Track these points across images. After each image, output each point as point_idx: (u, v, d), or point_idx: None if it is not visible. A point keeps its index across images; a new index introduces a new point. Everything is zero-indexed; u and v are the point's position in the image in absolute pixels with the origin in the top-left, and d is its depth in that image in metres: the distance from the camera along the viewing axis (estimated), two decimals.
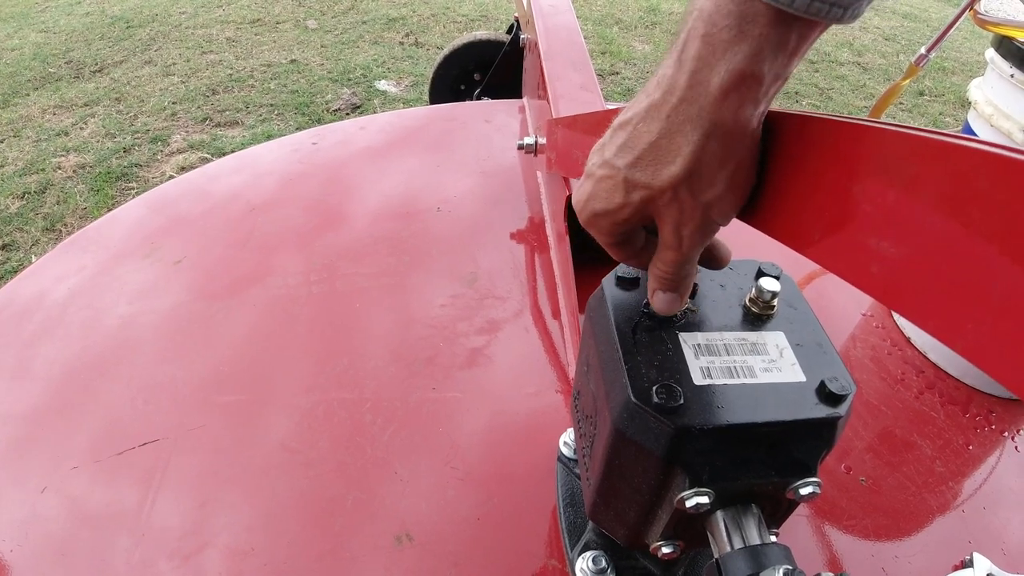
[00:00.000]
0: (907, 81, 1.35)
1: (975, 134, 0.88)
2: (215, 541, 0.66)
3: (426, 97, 2.39)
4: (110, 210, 2.12)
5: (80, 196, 2.52)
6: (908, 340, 0.95)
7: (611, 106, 1.12)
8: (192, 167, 2.66)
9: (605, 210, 0.42)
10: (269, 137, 2.88)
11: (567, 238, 0.92)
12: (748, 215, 0.41)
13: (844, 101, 3.64)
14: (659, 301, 0.44)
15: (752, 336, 0.44)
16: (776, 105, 0.38)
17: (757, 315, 0.46)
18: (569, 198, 0.92)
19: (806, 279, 1.00)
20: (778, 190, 0.38)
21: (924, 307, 0.26)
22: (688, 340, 0.44)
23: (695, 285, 0.45)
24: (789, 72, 0.36)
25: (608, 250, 0.45)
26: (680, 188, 0.38)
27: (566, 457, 0.68)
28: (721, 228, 0.41)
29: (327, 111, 3.15)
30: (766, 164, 0.39)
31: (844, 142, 0.32)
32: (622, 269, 0.48)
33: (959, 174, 0.24)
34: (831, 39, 4.38)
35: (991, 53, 0.84)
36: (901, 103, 3.68)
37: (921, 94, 3.81)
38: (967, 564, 0.69)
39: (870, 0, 0.34)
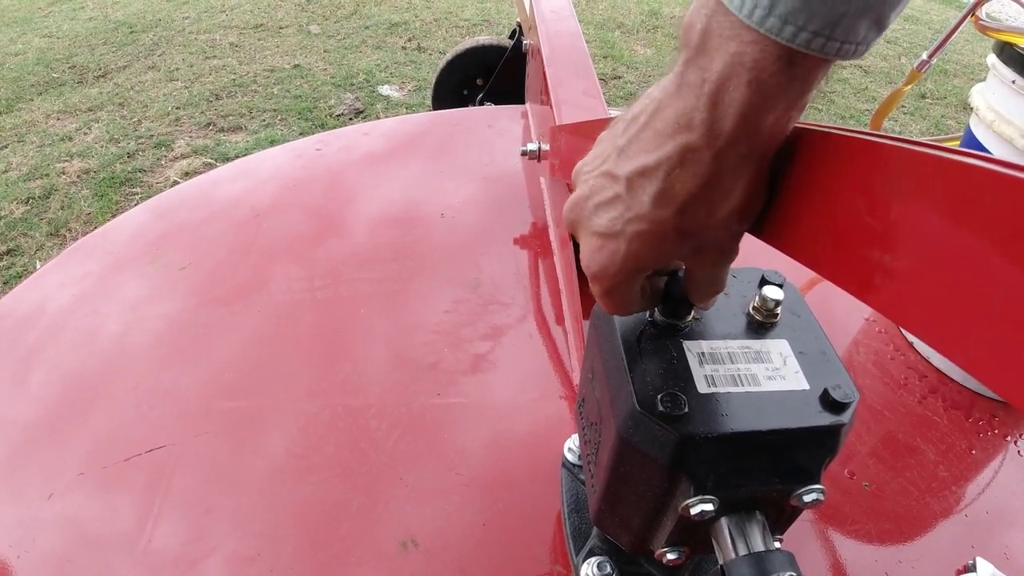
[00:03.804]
0: (909, 87, 1.35)
1: (977, 139, 0.88)
2: (221, 547, 0.66)
3: (429, 102, 2.39)
4: (114, 215, 2.13)
5: (84, 201, 2.52)
6: (911, 345, 0.96)
7: (614, 111, 1.13)
8: (196, 172, 2.67)
9: (655, 263, 0.40)
10: (273, 142, 2.88)
11: (571, 244, 0.92)
12: (756, 228, 0.41)
13: (846, 104, 3.65)
14: (708, 301, 0.44)
15: (756, 344, 0.45)
16: None
17: (761, 323, 0.46)
18: None
19: (809, 284, 1.00)
20: (782, 203, 0.38)
21: (927, 321, 0.26)
22: (692, 348, 0.44)
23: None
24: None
25: (622, 307, 0.43)
26: (733, 219, 0.38)
27: (570, 463, 0.68)
28: None
29: (330, 116, 3.16)
30: (773, 178, 0.39)
31: (847, 155, 0.32)
32: None
33: (961, 190, 0.24)
34: None
35: (992, 59, 0.84)
36: (903, 106, 3.68)
37: (923, 97, 3.81)
38: (970, 569, 0.69)
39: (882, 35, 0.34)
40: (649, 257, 0.39)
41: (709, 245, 0.40)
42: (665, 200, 0.37)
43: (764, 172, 0.37)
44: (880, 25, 0.33)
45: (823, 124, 0.36)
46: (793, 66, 0.33)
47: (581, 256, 0.42)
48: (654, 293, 0.45)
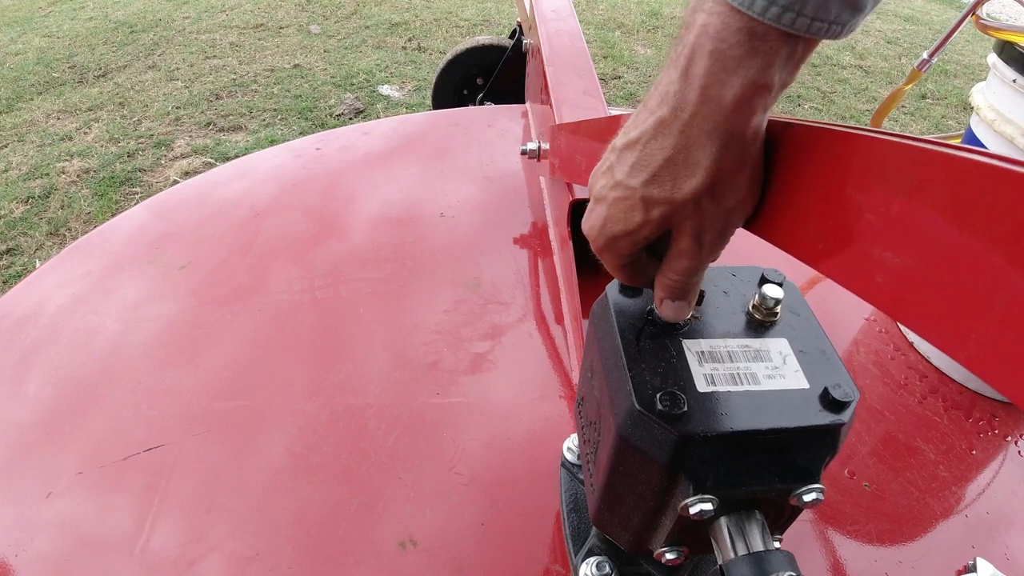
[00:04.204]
0: (909, 86, 1.35)
1: (978, 139, 0.88)
2: (220, 546, 0.66)
3: (429, 102, 2.39)
4: (114, 215, 2.12)
5: (84, 201, 2.52)
6: (911, 345, 0.96)
7: (614, 111, 1.13)
8: (196, 172, 2.67)
9: (624, 231, 0.41)
10: (273, 142, 2.88)
11: (570, 243, 0.92)
12: (751, 224, 0.41)
13: (847, 104, 3.64)
14: (668, 309, 0.44)
15: (755, 343, 0.45)
16: (779, 109, 0.38)
17: (760, 322, 0.46)
18: (572, 204, 0.92)
19: (809, 283, 1.00)
20: (781, 199, 0.38)
21: (927, 318, 0.26)
22: (692, 347, 0.44)
23: (701, 292, 0.46)
24: (793, 79, 0.37)
25: (618, 272, 0.45)
26: (703, 198, 0.38)
27: (570, 463, 0.68)
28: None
29: (330, 116, 3.16)
30: (770, 173, 0.39)
31: (846, 152, 0.32)
32: None
33: (961, 186, 0.24)
34: (833, 43, 4.38)
35: (993, 58, 0.84)
36: (903, 106, 3.67)
37: (923, 97, 3.81)
38: (970, 569, 0.69)
39: (863, 17, 0.34)
40: (619, 223, 0.41)
41: (681, 226, 0.40)
42: (637, 169, 0.39)
43: (736, 155, 0.37)
44: (855, 6, 0.33)
45: (820, 121, 0.36)
46: (754, 38, 0.33)
47: None
48: (651, 264, 0.45)
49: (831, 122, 0.34)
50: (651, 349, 0.44)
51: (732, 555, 0.41)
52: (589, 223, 0.44)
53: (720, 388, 0.41)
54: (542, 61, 1.22)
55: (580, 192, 0.93)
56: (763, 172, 0.39)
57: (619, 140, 0.41)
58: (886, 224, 0.28)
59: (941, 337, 0.25)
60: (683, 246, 0.41)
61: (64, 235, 2.37)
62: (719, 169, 0.37)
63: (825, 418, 0.40)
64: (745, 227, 0.41)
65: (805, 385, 0.42)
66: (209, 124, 3.06)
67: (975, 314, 0.23)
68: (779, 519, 0.44)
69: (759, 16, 0.32)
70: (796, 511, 0.43)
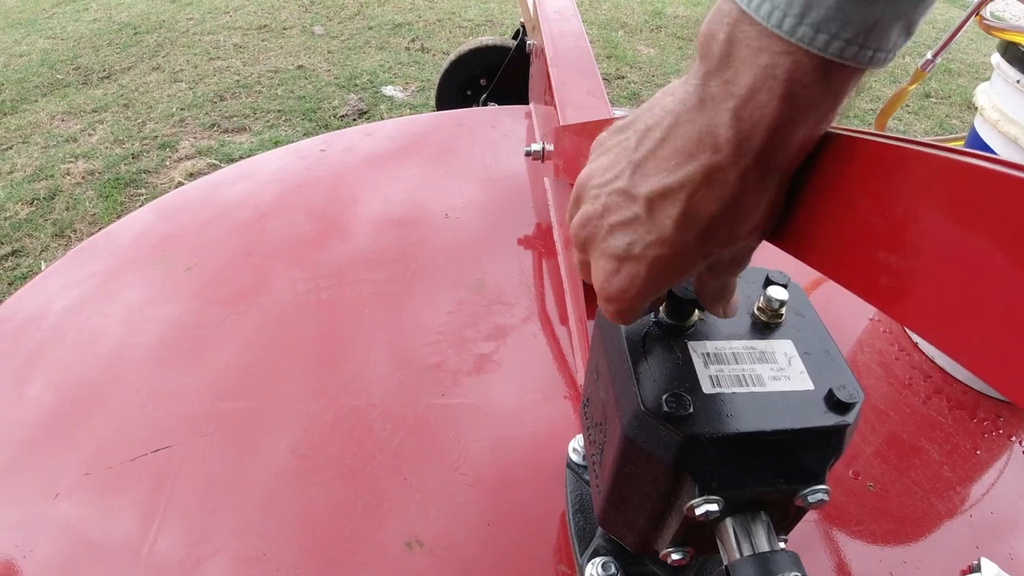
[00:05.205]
0: (913, 86, 1.35)
1: (981, 139, 0.88)
2: (226, 547, 0.66)
3: (432, 102, 2.39)
4: (119, 216, 2.13)
5: (89, 202, 2.53)
6: (915, 345, 0.96)
7: (618, 112, 1.13)
8: (200, 173, 2.68)
9: (677, 279, 0.38)
10: (277, 143, 2.89)
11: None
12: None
13: (850, 102, 3.63)
14: (725, 310, 0.44)
15: (760, 344, 0.45)
16: None
17: (765, 323, 0.46)
18: None
19: (813, 284, 1.00)
20: (792, 206, 0.38)
21: (932, 321, 0.26)
22: (697, 349, 0.44)
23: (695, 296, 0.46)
24: None
25: (632, 320, 0.42)
26: (754, 236, 0.37)
27: (575, 463, 0.68)
28: None
29: (334, 117, 3.17)
30: None
31: (850, 155, 0.32)
32: None
33: (965, 190, 0.24)
34: None
35: (997, 58, 0.84)
36: (907, 105, 3.67)
37: (927, 96, 3.80)
38: (975, 569, 0.69)
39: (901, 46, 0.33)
40: (671, 279, 0.38)
41: (725, 260, 0.39)
42: (688, 223, 0.35)
43: (785, 185, 0.36)
44: (909, 30, 0.31)
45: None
46: (828, 76, 0.31)
47: (594, 276, 0.40)
48: (659, 299, 0.45)
49: (836, 126, 0.34)
50: (657, 351, 0.44)
51: (737, 556, 0.41)
52: (616, 286, 0.38)
53: (725, 390, 0.41)
54: (546, 62, 1.22)
55: None
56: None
57: (638, 183, 0.36)
58: (890, 227, 0.28)
59: (944, 340, 0.25)
60: (726, 271, 0.40)
61: (69, 236, 2.38)
62: (775, 205, 0.36)
63: (830, 419, 0.40)
64: None
65: (810, 386, 0.42)
66: (213, 125, 3.07)
67: (979, 317, 0.23)
68: (784, 520, 0.44)
69: (820, 51, 0.30)
70: (801, 512, 0.43)
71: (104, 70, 3.59)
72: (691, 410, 0.39)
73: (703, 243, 0.36)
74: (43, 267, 2.15)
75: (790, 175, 0.35)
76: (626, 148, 0.37)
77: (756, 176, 0.33)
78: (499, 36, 2.43)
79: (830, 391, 0.41)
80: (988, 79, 0.89)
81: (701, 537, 0.45)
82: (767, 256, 0.45)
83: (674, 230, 0.35)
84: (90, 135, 2.97)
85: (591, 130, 0.78)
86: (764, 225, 0.36)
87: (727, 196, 0.34)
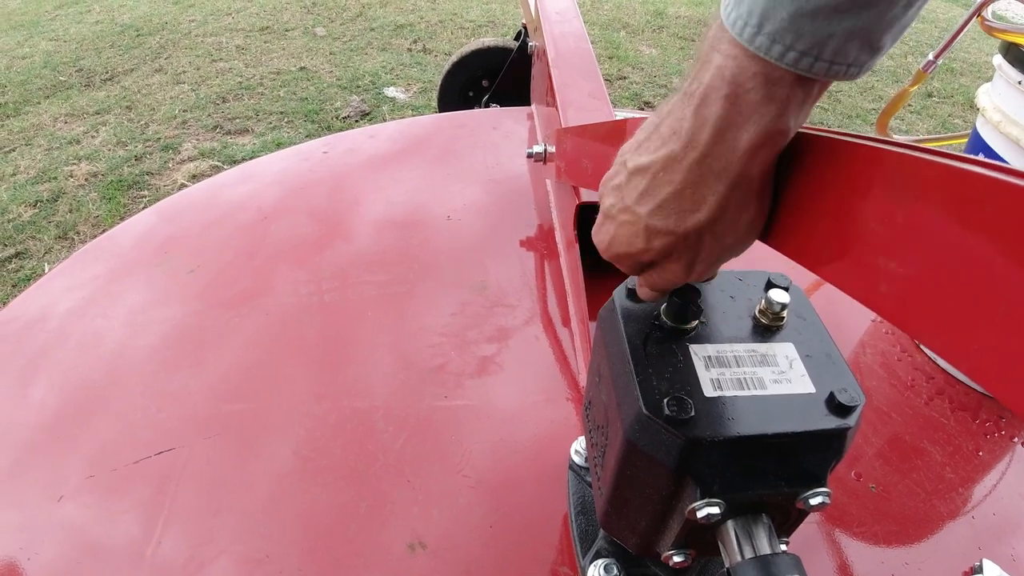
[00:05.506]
0: (915, 87, 1.35)
1: (983, 140, 0.88)
2: (229, 549, 0.66)
3: (434, 104, 2.39)
4: (122, 218, 2.13)
5: (92, 204, 2.54)
6: (917, 346, 0.95)
7: (620, 113, 1.13)
8: (203, 175, 2.68)
9: (627, 253, 0.43)
10: (279, 145, 2.89)
11: (576, 246, 0.92)
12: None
13: (852, 103, 3.64)
14: (645, 294, 0.47)
15: (762, 347, 0.45)
16: None
17: (767, 326, 0.46)
18: (579, 207, 0.93)
19: (814, 286, 1.00)
20: (787, 208, 0.38)
21: (931, 327, 0.26)
22: (699, 352, 0.44)
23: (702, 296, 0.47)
24: (807, 118, 0.36)
25: (629, 273, 0.47)
26: (704, 234, 0.39)
27: (577, 465, 0.69)
28: None
29: (336, 118, 3.17)
30: (776, 182, 0.39)
31: (852, 162, 0.32)
32: (633, 281, 0.49)
33: (965, 198, 0.24)
34: None
35: (999, 59, 0.84)
36: (910, 105, 3.66)
37: (930, 95, 3.80)
38: (977, 571, 0.69)
39: (881, 56, 0.34)
40: (623, 246, 0.43)
41: (677, 255, 0.41)
42: (645, 199, 0.40)
43: (742, 196, 0.37)
44: (873, 47, 0.32)
45: (827, 128, 0.36)
46: (770, 84, 0.33)
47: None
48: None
49: (835, 130, 0.34)
50: (658, 354, 0.44)
51: (739, 558, 0.41)
52: (599, 237, 0.46)
53: (727, 393, 0.42)
54: (547, 63, 1.22)
55: (586, 195, 0.93)
56: (768, 203, 0.40)
57: (631, 158, 0.41)
58: (891, 234, 0.29)
59: (943, 346, 0.26)
60: (673, 267, 0.42)
61: (72, 238, 2.38)
62: (723, 208, 0.37)
63: (831, 422, 0.40)
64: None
65: (811, 389, 0.42)
66: (216, 127, 3.07)
67: (978, 324, 0.23)
68: (786, 522, 0.44)
69: (776, 61, 0.32)
70: (803, 514, 0.44)
71: (107, 72, 3.59)
72: (692, 413, 0.39)
73: (651, 221, 0.40)
74: (46, 269, 2.16)
75: (749, 185, 0.37)
76: (641, 129, 0.42)
77: (702, 171, 0.37)
78: (501, 37, 2.43)
79: (831, 394, 0.41)
80: (990, 79, 0.89)
81: (703, 539, 0.45)
82: (767, 256, 0.45)
83: (635, 201, 0.41)
84: (93, 137, 2.97)
85: (593, 133, 0.78)
86: (715, 230, 0.39)
87: (676, 182, 0.38)
